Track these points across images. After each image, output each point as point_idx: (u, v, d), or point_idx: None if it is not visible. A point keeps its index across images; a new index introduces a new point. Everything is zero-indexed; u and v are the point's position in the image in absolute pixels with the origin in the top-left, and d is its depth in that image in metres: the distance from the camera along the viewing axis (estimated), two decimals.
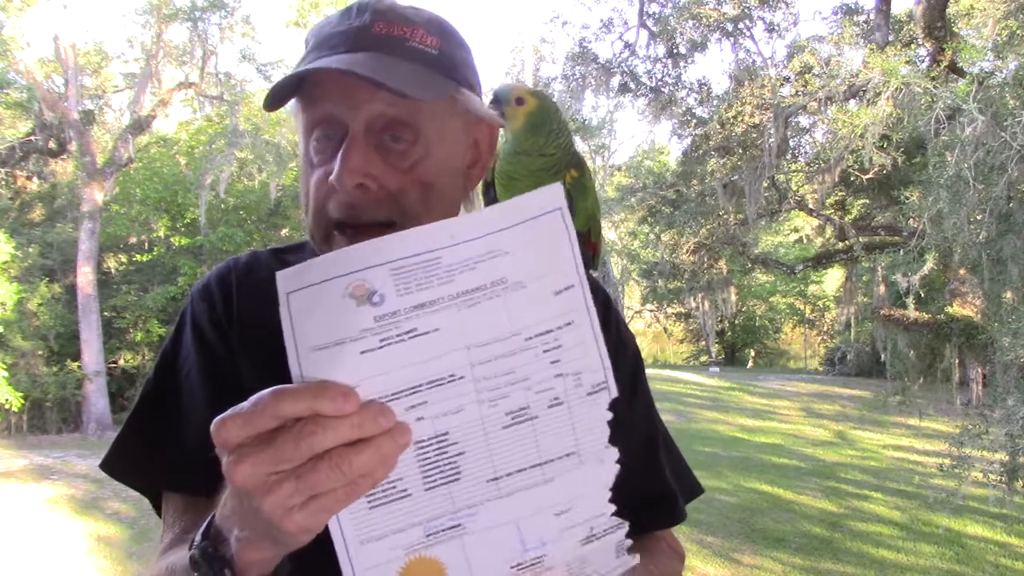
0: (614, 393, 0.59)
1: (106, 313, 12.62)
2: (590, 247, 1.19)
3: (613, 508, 0.61)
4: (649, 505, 0.88)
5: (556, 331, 0.57)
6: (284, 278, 0.54)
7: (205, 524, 0.60)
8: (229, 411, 0.51)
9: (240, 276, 0.87)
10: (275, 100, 0.76)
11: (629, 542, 0.63)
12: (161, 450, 0.81)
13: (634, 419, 0.90)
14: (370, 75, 0.70)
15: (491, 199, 1.14)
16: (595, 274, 1.12)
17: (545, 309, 0.57)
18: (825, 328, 22.95)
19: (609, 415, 0.59)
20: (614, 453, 0.60)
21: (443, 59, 0.78)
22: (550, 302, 0.57)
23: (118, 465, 0.85)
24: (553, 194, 0.58)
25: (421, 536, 0.58)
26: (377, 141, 0.75)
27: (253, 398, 0.51)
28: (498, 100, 1.03)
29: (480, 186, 1.02)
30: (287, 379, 0.52)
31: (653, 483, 0.90)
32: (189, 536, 0.62)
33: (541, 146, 1.06)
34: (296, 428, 0.50)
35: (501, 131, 0.95)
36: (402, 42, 0.75)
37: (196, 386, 0.81)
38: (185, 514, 0.79)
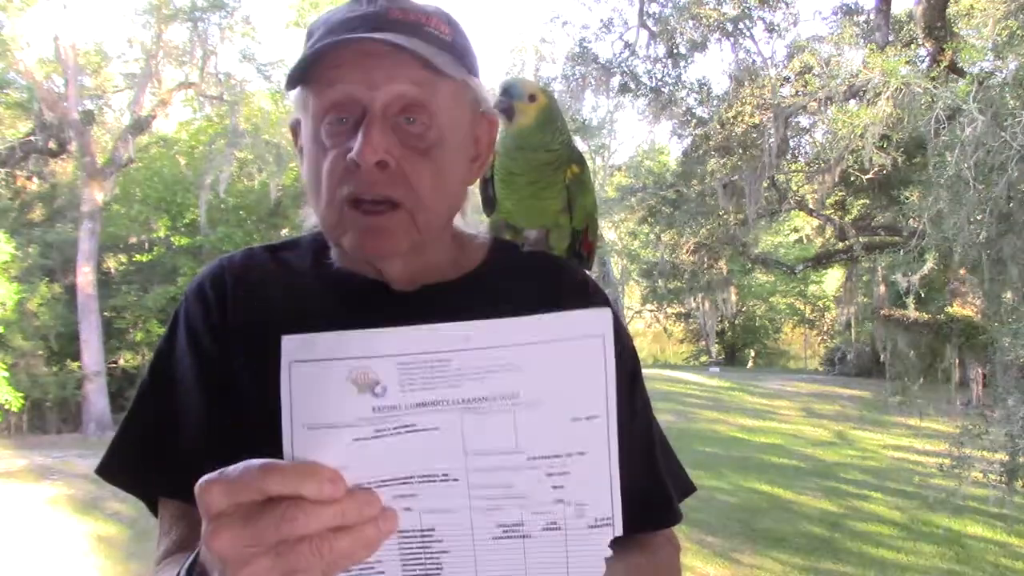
0: (619, 532, 0.57)
1: (106, 313, 12.61)
2: (586, 246, 1.19)
3: None
4: (647, 507, 0.88)
5: (565, 457, 0.55)
6: (289, 346, 0.53)
7: (190, 560, 0.60)
8: (214, 475, 0.51)
9: (235, 276, 0.85)
10: (296, 79, 0.77)
11: None
12: (156, 456, 0.80)
13: (632, 423, 0.90)
14: (400, 43, 0.71)
15: (488, 196, 1.13)
16: (595, 274, 1.12)
17: (557, 434, 0.55)
18: (825, 328, 22.93)
19: (609, 552, 0.57)
20: None
21: (456, 47, 0.79)
22: (566, 427, 0.55)
23: (114, 470, 0.84)
24: (599, 318, 0.55)
25: None
26: (394, 122, 0.75)
27: (241, 466, 0.50)
28: (509, 95, 1.01)
29: (477, 183, 1.02)
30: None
31: (650, 485, 0.90)
32: (184, 552, 0.62)
33: (547, 142, 1.05)
34: (279, 510, 0.49)
35: (500, 127, 0.95)
36: (419, 26, 0.76)
37: (191, 390, 0.80)
38: (181, 520, 0.78)
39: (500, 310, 0.56)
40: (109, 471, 0.85)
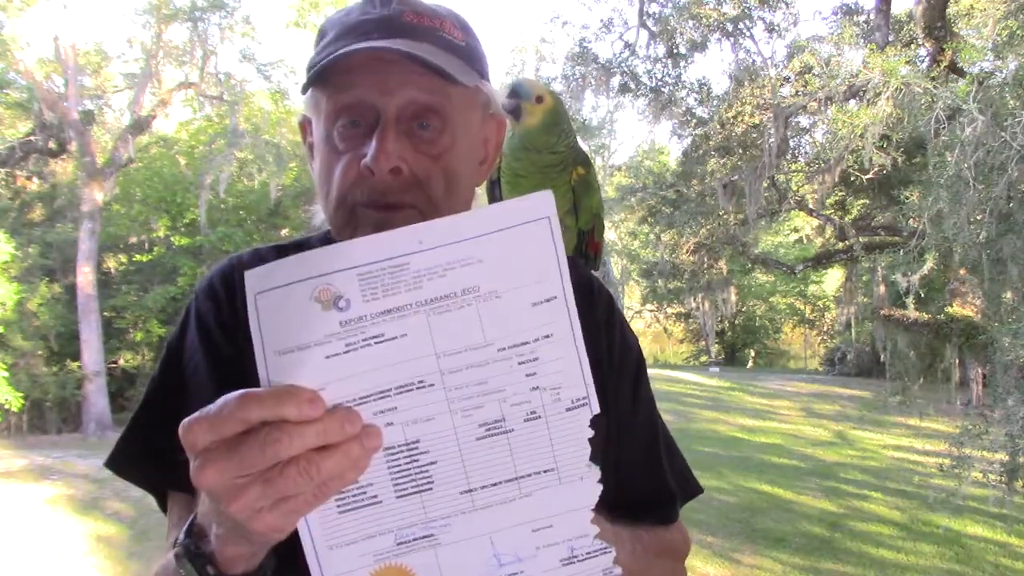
0: (595, 409, 0.57)
1: (106, 313, 12.61)
2: (593, 246, 1.20)
3: (596, 531, 0.60)
4: (646, 506, 0.89)
5: (533, 343, 0.56)
6: (252, 278, 0.53)
7: (188, 521, 0.61)
8: (196, 414, 0.51)
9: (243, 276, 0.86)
10: (310, 85, 0.77)
11: (618, 570, 0.61)
12: (165, 450, 0.81)
13: (636, 420, 0.91)
14: (415, 53, 0.71)
15: (496, 197, 1.14)
16: (595, 274, 1.12)
17: (521, 320, 0.55)
18: (825, 328, 22.93)
19: (591, 432, 0.58)
20: (596, 472, 0.59)
21: (469, 51, 0.80)
22: (528, 313, 0.55)
23: (123, 464, 0.86)
24: (542, 201, 0.56)
25: (392, 544, 0.57)
26: (407, 128, 0.75)
27: (219, 401, 0.51)
28: (517, 95, 1.02)
29: (484, 184, 1.02)
30: None
31: (654, 484, 0.91)
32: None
33: (553, 144, 1.06)
34: (261, 434, 0.50)
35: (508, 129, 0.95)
36: (433, 31, 0.77)
37: (203, 385, 0.81)
38: (189, 512, 0.79)
39: None
40: (117, 465, 0.86)
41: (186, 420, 0.51)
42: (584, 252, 1.19)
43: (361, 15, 0.77)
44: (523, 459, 0.57)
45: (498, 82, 0.97)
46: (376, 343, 0.53)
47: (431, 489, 0.56)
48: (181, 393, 0.82)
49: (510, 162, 1.07)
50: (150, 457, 0.83)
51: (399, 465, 0.56)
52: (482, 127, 0.84)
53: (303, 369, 0.52)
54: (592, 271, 1.16)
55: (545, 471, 0.58)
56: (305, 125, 0.85)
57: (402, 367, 0.54)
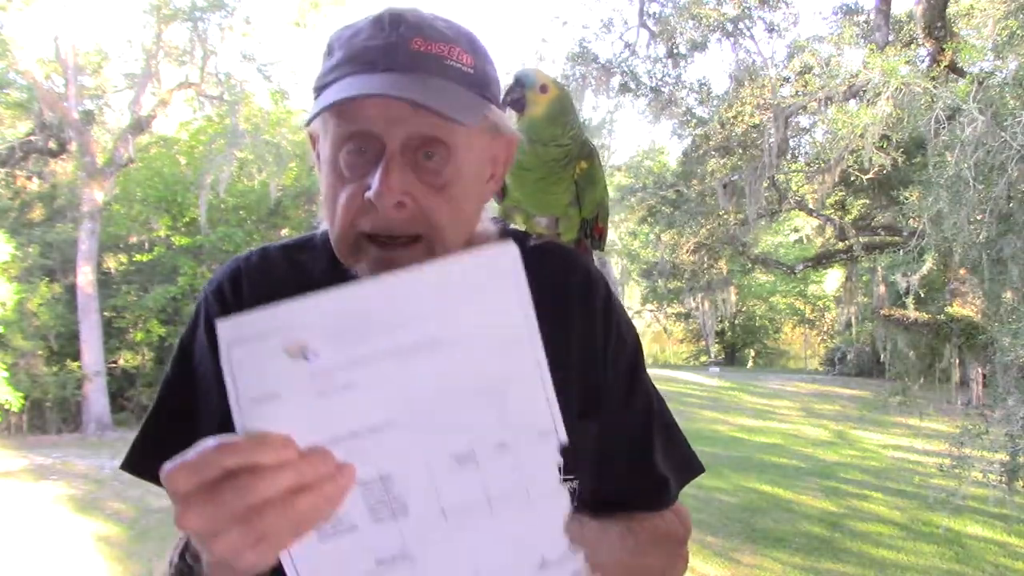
0: (563, 440, 0.60)
1: (106, 313, 12.60)
2: (597, 231, 1.20)
3: (567, 540, 0.62)
4: (636, 493, 0.91)
5: (499, 383, 0.58)
6: (224, 329, 0.56)
7: (183, 544, 0.64)
8: (175, 459, 0.54)
9: (251, 276, 0.88)
10: (315, 117, 0.78)
11: (587, 571, 0.64)
12: (180, 446, 0.83)
13: (629, 408, 0.92)
14: (420, 100, 0.71)
15: (499, 193, 1.13)
16: (595, 265, 1.13)
17: (487, 363, 0.58)
18: (825, 328, 22.94)
19: (559, 459, 0.60)
20: (564, 493, 0.62)
21: (477, 77, 0.79)
22: (494, 355, 0.58)
23: (138, 464, 0.88)
24: (505, 255, 0.58)
25: (372, 565, 0.59)
26: (412, 159, 0.75)
27: (198, 447, 0.54)
28: (521, 85, 1.01)
29: None
30: None
31: (643, 471, 0.92)
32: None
33: (557, 136, 1.05)
34: (239, 480, 0.52)
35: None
36: (441, 60, 0.76)
37: (211, 387, 0.82)
38: None
39: None
40: (133, 465, 0.88)
41: (166, 466, 0.54)
42: (589, 234, 1.20)
43: (368, 39, 0.76)
44: (494, 485, 0.60)
45: (502, 82, 0.97)
46: (346, 390, 0.56)
47: (406, 515, 0.59)
48: (192, 392, 0.85)
49: (515, 155, 1.07)
50: (163, 453, 0.84)
51: (374, 495, 0.58)
52: (490, 147, 0.84)
53: (277, 416, 0.55)
54: (598, 250, 1.18)
55: (515, 495, 0.61)
56: (314, 137, 0.85)
57: (372, 410, 0.57)
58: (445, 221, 0.77)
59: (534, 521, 0.62)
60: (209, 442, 0.53)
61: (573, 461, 0.66)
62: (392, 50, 0.74)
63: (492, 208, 1.14)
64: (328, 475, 0.54)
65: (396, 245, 0.77)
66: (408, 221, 0.75)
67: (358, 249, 0.78)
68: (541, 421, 0.59)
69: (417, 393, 0.57)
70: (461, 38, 0.79)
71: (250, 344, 0.55)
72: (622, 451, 0.90)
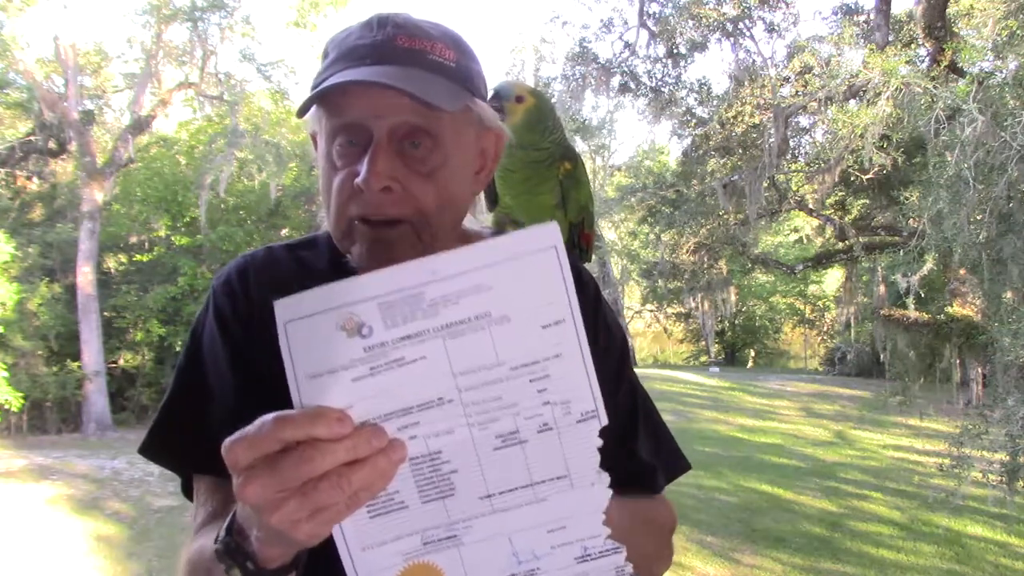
0: (604, 421, 0.61)
1: (106, 313, 12.60)
2: (583, 238, 1.26)
3: (607, 532, 0.64)
4: (623, 482, 0.92)
5: (544, 362, 0.60)
6: (281, 308, 0.58)
7: (228, 520, 0.66)
8: (236, 434, 0.56)
9: (258, 270, 0.92)
10: (306, 109, 0.83)
11: (630, 568, 0.66)
12: (191, 435, 0.87)
13: (614, 400, 0.93)
14: (400, 85, 0.76)
15: (490, 192, 1.20)
16: (595, 274, 1.15)
17: (532, 341, 0.59)
18: (825, 328, 22.94)
19: (600, 442, 0.62)
20: (606, 478, 0.63)
21: (460, 71, 0.84)
22: (537, 335, 0.59)
23: (154, 449, 0.92)
24: (548, 233, 0.60)
25: (418, 544, 0.62)
26: (399, 147, 0.80)
27: (258, 422, 0.56)
28: (499, 96, 1.09)
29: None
30: None
31: (628, 460, 0.94)
32: (218, 521, 0.69)
33: (537, 141, 1.12)
34: (297, 452, 0.55)
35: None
36: (424, 54, 0.81)
37: (224, 373, 0.87)
38: (215, 494, 0.86)
39: None
40: (150, 451, 0.92)
41: (227, 440, 0.56)
42: (576, 243, 1.25)
43: (358, 39, 0.82)
44: (537, 467, 0.62)
45: (498, 83, 1.03)
46: (398, 366, 0.58)
47: (453, 495, 0.61)
48: (203, 380, 0.89)
49: (501, 159, 1.16)
50: (177, 440, 0.90)
51: (423, 474, 0.61)
52: (478, 140, 0.88)
53: (332, 391, 0.57)
54: (585, 262, 1.21)
55: (558, 478, 0.62)
56: (314, 137, 0.90)
57: (422, 386, 0.59)
58: (432, 206, 0.82)
59: (575, 508, 0.63)
60: (268, 417, 0.56)
61: None
62: (379, 47, 0.80)
63: (486, 219, 1.19)
64: (381, 449, 0.57)
65: (384, 225, 0.81)
66: (395, 204, 0.80)
67: (351, 232, 0.83)
68: (584, 403, 0.61)
69: (465, 369, 0.59)
70: (445, 37, 0.84)
71: (306, 321, 0.57)
72: (605, 439, 0.91)
